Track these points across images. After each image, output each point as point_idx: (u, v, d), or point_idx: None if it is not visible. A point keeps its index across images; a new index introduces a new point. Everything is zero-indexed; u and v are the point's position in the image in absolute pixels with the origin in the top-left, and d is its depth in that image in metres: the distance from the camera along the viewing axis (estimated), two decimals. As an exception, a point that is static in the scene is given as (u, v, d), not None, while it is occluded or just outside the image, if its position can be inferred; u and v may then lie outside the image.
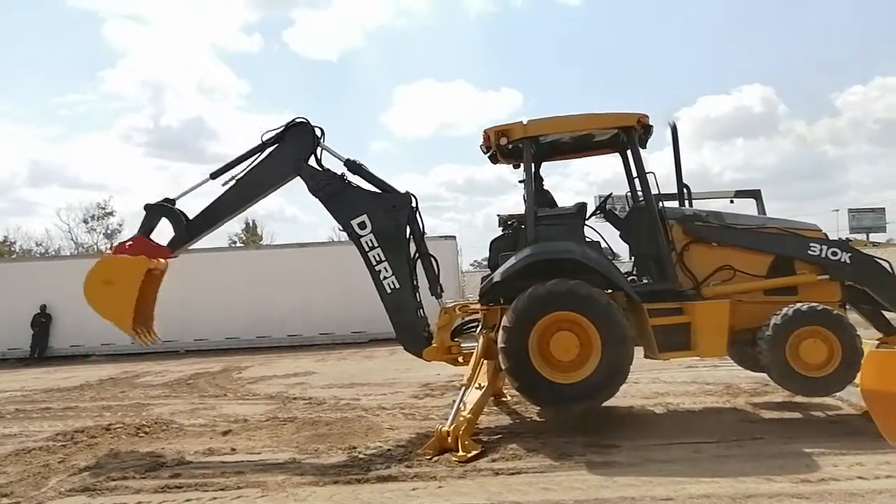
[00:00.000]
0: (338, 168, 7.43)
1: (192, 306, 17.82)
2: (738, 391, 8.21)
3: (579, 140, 7.40)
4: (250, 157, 7.35)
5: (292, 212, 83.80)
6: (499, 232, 7.42)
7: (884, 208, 58.81)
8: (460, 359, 7.41)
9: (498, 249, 7.07)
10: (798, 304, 6.11)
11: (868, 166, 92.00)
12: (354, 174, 7.39)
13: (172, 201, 7.54)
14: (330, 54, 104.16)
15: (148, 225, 7.54)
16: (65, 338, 18.15)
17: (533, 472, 5.34)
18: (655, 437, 6.17)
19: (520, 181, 7.53)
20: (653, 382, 9.03)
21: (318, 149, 7.36)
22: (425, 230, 7.52)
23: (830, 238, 6.74)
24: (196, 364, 14.90)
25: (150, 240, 7.51)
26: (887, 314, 7.02)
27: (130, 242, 7.44)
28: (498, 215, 7.87)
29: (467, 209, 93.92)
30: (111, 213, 47.97)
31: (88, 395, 11.19)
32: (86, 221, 46.89)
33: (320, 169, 7.37)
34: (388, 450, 6.28)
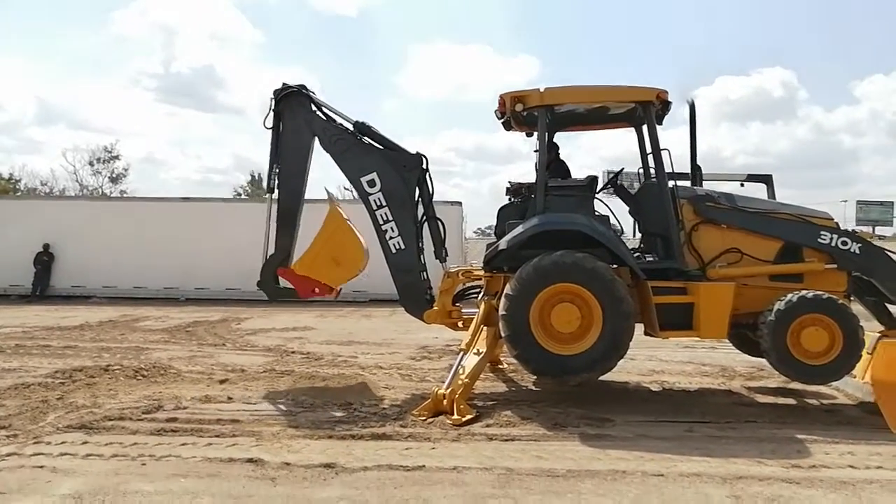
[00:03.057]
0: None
1: (194, 255, 17.93)
2: (733, 374, 8.24)
3: (595, 112, 7.27)
4: (275, 148, 7.32)
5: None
6: (506, 200, 7.37)
7: (892, 202, 58.44)
8: (460, 324, 7.42)
9: (505, 217, 7.02)
10: (803, 291, 6.07)
11: (882, 159, 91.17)
12: (364, 135, 7.32)
13: None
14: (349, 9, 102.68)
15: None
16: (66, 278, 18.23)
17: (526, 440, 5.38)
18: (649, 414, 6.20)
19: (535, 150, 7.47)
20: (649, 360, 9.06)
21: (320, 107, 7.31)
22: (434, 193, 7.46)
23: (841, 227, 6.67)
24: (196, 312, 14.97)
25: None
26: (891, 307, 7.00)
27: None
28: (508, 183, 7.83)
29: (475, 176, 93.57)
30: (117, 157, 47.85)
31: (88, 335, 11.27)
32: (91, 164, 46.81)
33: (329, 121, 7.32)
34: (384, 408, 6.34)
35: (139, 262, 18.00)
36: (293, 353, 9.62)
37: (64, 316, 14.01)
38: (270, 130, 7.33)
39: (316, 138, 7.32)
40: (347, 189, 7.76)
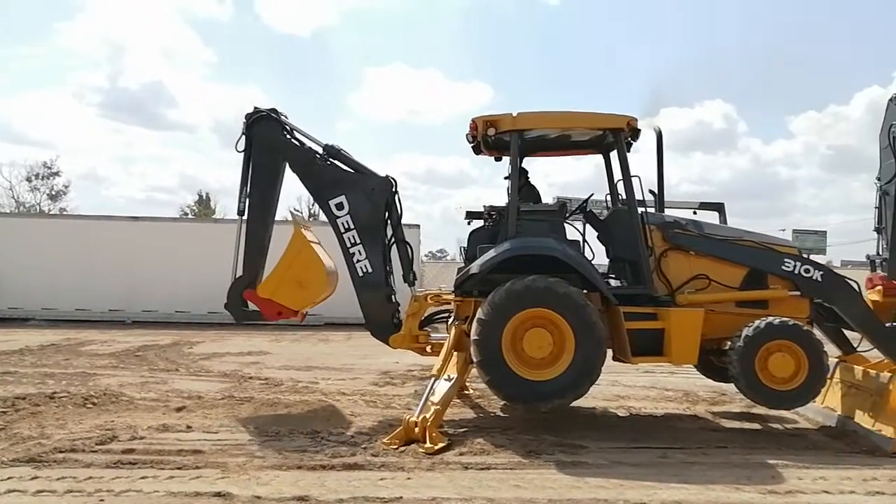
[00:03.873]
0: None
1: (141, 276, 17.26)
2: (696, 399, 8.33)
3: (564, 138, 7.34)
4: (246, 172, 7.21)
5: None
6: (466, 225, 7.39)
7: (825, 231, 61.01)
8: (428, 348, 7.30)
9: (476, 241, 6.98)
10: (770, 318, 6.18)
11: (817, 190, 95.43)
12: (333, 159, 7.25)
13: None
14: (302, 30, 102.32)
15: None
16: (3, 299, 17.26)
17: (502, 469, 5.28)
18: (621, 440, 6.19)
19: (505, 177, 7.46)
20: (612, 385, 9.09)
21: (292, 130, 7.25)
22: (402, 215, 7.38)
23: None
24: (143, 336, 14.38)
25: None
26: (847, 333, 7.21)
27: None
28: (464, 208, 7.84)
29: (426, 200, 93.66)
30: (57, 173, 45.92)
31: (29, 360, 10.67)
32: (29, 180, 44.74)
33: (300, 145, 7.24)
34: (352, 436, 6.14)
35: (82, 282, 17.23)
36: (251, 378, 9.30)
37: (1, 340, 13.23)
38: (241, 153, 7.22)
39: (286, 162, 7.24)
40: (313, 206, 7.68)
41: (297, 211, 7.82)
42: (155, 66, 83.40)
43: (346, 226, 7.07)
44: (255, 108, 7.22)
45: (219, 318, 17.20)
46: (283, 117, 7.28)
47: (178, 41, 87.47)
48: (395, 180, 7.27)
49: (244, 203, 7.24)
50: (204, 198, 55.01)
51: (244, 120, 7.19)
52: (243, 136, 7.18)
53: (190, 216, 47.44)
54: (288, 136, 7.27)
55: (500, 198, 7.13)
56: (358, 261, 7.08)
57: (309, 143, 7.31)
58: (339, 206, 7.08)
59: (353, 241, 7.07)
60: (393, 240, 7.32)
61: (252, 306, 7.27)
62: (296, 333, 15.73)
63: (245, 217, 7.30)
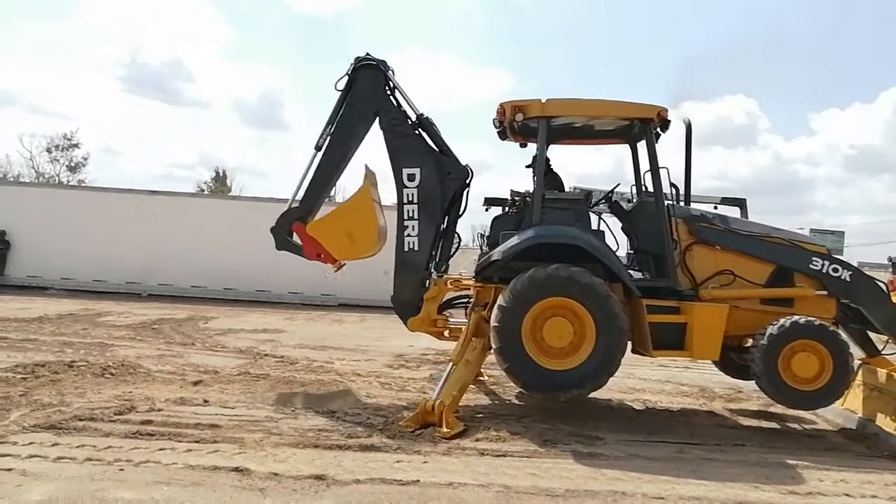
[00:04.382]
0: None
1: (159, 250, 17.34)
2: (713, 395, 8.25)
3: (590, 126, 7.24)
4: (336, 112, 7.21)
5: (264, 165, 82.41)
6: (479, 212, 7.37)
7: (843, 232, 60.34)
8: (446, 333, 7.27)
9: (499, 227, 6.91)
10: (795, 317, 6.09)
11: (836, 190, 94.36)
12: (423, 130, 7.22)
13: None
14: (325, 11, 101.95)
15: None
16: (22, 267, 17.41)
17: (518, 456, 5.25)
18: (638, 433, 6.14)
19: (527, 166, 7.40)
20: (627, 378, 9.01)
21: (393, 88, 7.23)
22: (465, 210, 7.38)
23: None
24: (159, 309, 14.47)
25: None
26: (872, 335, 7.10)
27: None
28: (486, 198, 7.79)
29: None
30: (76, 145, 46.27)
31: (48, 328, 10.77)
32: (49, 151, 45.17)
33: (396, 105, 7.24)
34: (368, 418, 6.14)
35: (100, 254, 17.31)
36: (266, 355, 9.32)
37: (20, 307, 13.38)
38: (340, 92, 7.23)
39: (377, 115, 7.22)
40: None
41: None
42: (176, 43, 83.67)
43: (410, 198, 7.05)
44: (368, 53, 7.22)
45: (234, 294, 17.44)
46: (390, 72, 7.26)
47: (198, 18, 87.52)
48: (472, 172, 7.24)
49: (324, 139, 7.22)
50: (221, 175, 55.20)
51: (353, 62, 7.20)
52: (346, 77, 7.18)
53: (206, 192, 47.62)
54: (388, 92, 7.24)
55: (515, 185, 7.07)
56: (409, 235, 7.06)
57: (406, 107, 7.28)
58: (411, 178, 7.06)
59: (410, 214, 7.05)
60: (445, 229, 7.30)
61: (296, 239, 7.32)
62: (310, 313, 15.76)
63: (321, 153, 7.27)
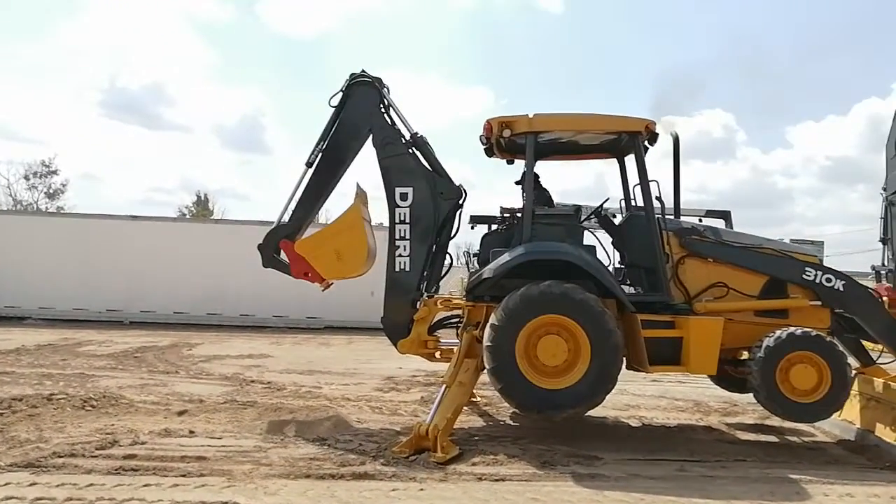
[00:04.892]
0: None
1: (140, 276, 17.03)
2: (708, 409, 8.16)
3: (577, 141, 7.19)
4: (329, 128, 7.11)
5: (245, 188, 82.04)
6: (465, 230, 7.30)
7: (823, 242, 60.96)
8: (437, 354, 7.12)
9: (489, 245, 6.82)
10: (791, 328, 6.02)
11: (814, 200, 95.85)
12: (417, 149, 7.13)
13: None
14: (305, 34, 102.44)
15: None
16: (-1, 297, 17.03)
17: (517, 480, 5.11)
18: (636, 452, 6.01)
19: (516, 182, 7.30)
20: (621, 394, 8.88)
21: (388, 106, 7.16)
22: (458, 232, 7.27)
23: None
24: (142, 336, 14.17)
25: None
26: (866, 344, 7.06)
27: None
28: (471, 216, 7.67)
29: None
30: (55, 172, 45.61)
31: (26, 360, 10.47)
32: (27, 178, 44.41)
33: (390, 123, 7.14)
34: (360, 444, 5.96)
35: (80, 282, 16.96)
36: (253, 382, 9.10)
37: (-3, 338, 13.03)
38: (333, 109, 7.14)
39: (371, 133, 7.11)
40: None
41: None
42: (156, 67, 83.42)
43: (402, 217, 6.94)
44: (363, 70, 7.15)
45: (217, 319, 17.15)
46: (385, 90, 7.17)
47: (179, 42, 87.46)
48: (465, 192, 7.14)
49: (316, 156, 7.11)
50: (202, 198, 54.77)
51: (347, 78, 7.12)
52: (340, 93, 7.10)
53: (188, 217, 47.18)
54: (382, 110, 7.15)
55: (498, 203, 6.99)
56: (400, 255, 6.94)
57: (399, 125, 7.18)
58: (404, 197, 6.95)
59: (402, 234, 6.94)
60: (436, 249, 7.18)
61: (283, 257, 7.18)
62: (296, 336, 15.53)
63: (312, 170, 7.17)
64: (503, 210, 7.04)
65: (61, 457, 5.20)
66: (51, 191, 45.25)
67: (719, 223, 11.15)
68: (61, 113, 75.91)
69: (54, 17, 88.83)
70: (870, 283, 7.48)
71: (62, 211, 40.84)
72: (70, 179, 45.92)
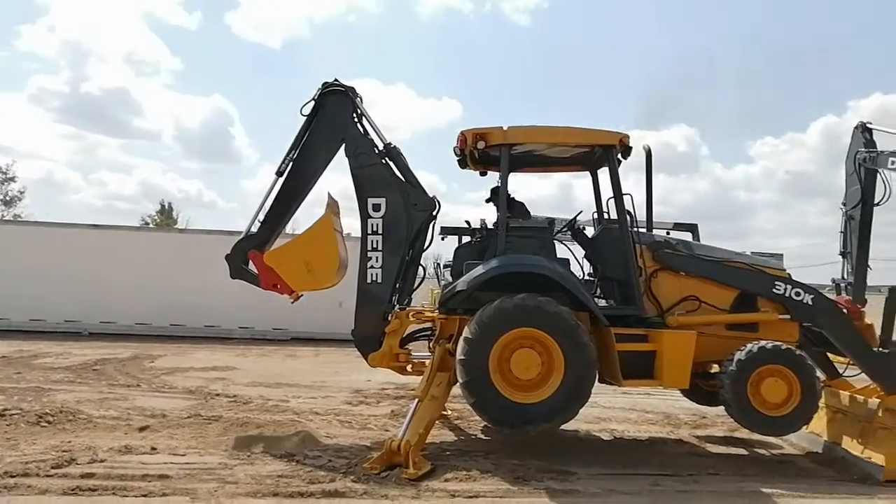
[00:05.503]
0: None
1: (101, 286, 16.53)
2: (678, 422, 8.19)
3: (551, 154, 7.18)
4: (301, 137, 6.96)
5: (211, 197, 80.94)
6: (435, 242, 7.19)
7: (782, 254, 62.59)
8: (409, 367, 7.01)
9: (462, 257, 6.74)
10: (762, 342, 6.06)
11: (774, 213, 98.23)
12: (390, 159, 7.00)
13: None
14: (273, 41, 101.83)
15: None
16: (-50, 308, 16.38)
17: (491, 496, 5.03)
18: (610, 466, 5.98)
19: (487, 200, 7.23)
20: (591, 407, 8.76)
21: (360, 116, 7.04)
22: (430, 245, 7.13)
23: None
24: (101, 348, 13.73)
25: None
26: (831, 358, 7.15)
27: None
28: (442, 227, 7.58)
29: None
30: (13, 179, 44.60)
31: (-23, 373, 10.05)
32: (-18, 186, 43.30)
33: (363, 132, 7.02)
34: (330, 460, 5.81)
35: (37, 292, 16.40)
36: (218, 395, 8.86)
37: (-53, 350, 12.51)
38: (305, 117, 6.99)
39: (343, 142, 6.98)
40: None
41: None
42: (118, 73, 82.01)
43: (375, 229, 6.82)
44: (336, 79, 7.02)
45: (181, 330, 16.75)
46: (358, 99, 7.05)
47: (143, 49, 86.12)
48: (439, 204, 7.03)
49: (287, 165, 6.97)
50: (166, 207, 53.85)
51: (320, 87, 6.99)
52: (312, 101, 6.96)
53: (151, 225, 46.27)
54: (355, 119, 7.03)
55: (466, 214, 6.93)
56: (371, 267, 6.82)
57: (373, 135, 7.06)
58: (376, 208, 6.84)
59: (374, 245, 6.82)
60: (409, 261, 7.03)
61: (252, 268, 7.02)
62: (262, 348, 15.23)
63: (282, 178, 7.02)
64: (482, 222, 6.97)
65: (13, 476, 4.96)
66: (7, 198, 44.17)
67: (686, 236, 11.30)
68: (19, 119, 73.98)
69: (14, 21, 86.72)
70: (830, 296, 7.60)
71: (19, 219, 39.72)
72: (28, 186, 44.80)
